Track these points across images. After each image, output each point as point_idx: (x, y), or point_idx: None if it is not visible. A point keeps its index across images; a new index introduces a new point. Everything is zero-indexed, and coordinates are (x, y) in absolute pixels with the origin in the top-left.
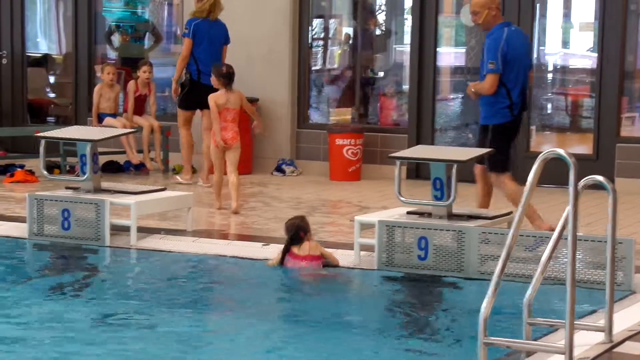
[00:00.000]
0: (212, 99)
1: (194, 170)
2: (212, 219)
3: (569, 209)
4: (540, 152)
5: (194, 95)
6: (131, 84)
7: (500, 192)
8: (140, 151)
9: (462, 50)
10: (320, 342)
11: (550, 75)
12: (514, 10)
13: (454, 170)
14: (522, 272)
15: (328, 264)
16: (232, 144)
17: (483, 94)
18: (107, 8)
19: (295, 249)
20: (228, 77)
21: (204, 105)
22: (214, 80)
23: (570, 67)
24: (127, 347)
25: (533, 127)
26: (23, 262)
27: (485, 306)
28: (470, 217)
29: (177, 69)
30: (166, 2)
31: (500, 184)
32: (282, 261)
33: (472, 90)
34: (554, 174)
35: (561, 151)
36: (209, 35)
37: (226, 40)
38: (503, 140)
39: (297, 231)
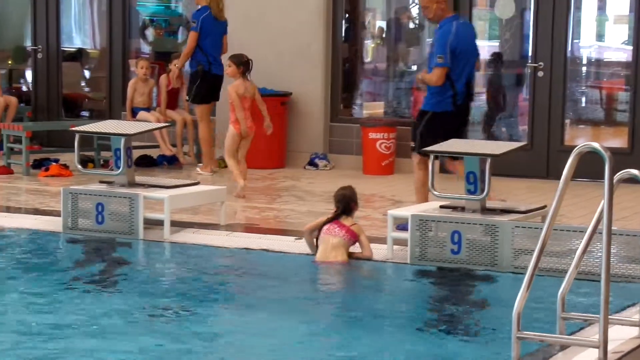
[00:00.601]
0: (232, 88)
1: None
2: (245, 213)
3: (603, 203)
4: (575, 146)
5: (207, 86)
6: (163, 78)
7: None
8: (173, 145)
9: (496, 43)
10: (353, 336)
11: (584, 69)
12: (549, 3)
13: (487, 164)
14: (556, 267)
15: (358, 257)
16: (251, 133)
17: (430, 85)
18: (141, 2)
19: (342, 219)
20: (247, 66)
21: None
22: (233, 70)
23: (604, 60)
24: (160, 341)
25: (567, 121)
26: (57, 256)
27: (518, 301)
28: (504, 211)
29: (182, 61)
30: None
31: (415, 166)
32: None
33: (420, 78)
34: (589, 167)
35: (596, 145)
36: (214, 28)
37: (225, 30)
38: (437, 127)
39: (349, 202)
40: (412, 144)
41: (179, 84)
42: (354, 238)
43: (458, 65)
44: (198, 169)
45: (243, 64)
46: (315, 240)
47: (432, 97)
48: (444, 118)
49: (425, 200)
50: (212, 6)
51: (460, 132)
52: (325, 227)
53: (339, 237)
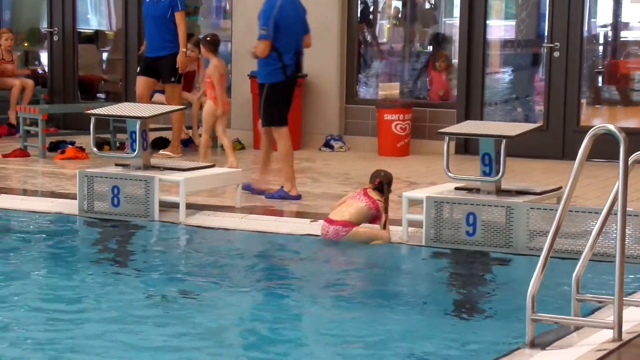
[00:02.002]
0: (216, 69)
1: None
2: (259, 195)
3: (618, 184)
4: (591, 127)
5: None
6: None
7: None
8: (188, 127)
9: (512, 22)
10: (369, 317)
11: (601, 48)
12: None
13: (502, 146)
14: (571, 248)
15: (375, 239)
16: (228, 109)
17: (259, 57)
18: None
19: (372, 193)
20: (218, 45)
21: None
22: (205, 51)
23: (621, 39)
24: (175, 324)
25: (583, 101)
26: (73, 239)
27: (533, 283)
28: (519, 193)
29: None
30: None
31: (279, 137)
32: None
33: (253, 51)
34: (605, 148)
35: (611, 127)
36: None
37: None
38: (277, 96)
39: (386, 182)
40: (261, 120)
41: (194, 67)
42: (377, 211)
43: (283, 39)
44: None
45: (215, 44)
46: None
47: (264, 69)
48: (279, 87)
49: (291, 169)
50: None
51: (291, 98)
52: (351, 195)
53: (361, 203)
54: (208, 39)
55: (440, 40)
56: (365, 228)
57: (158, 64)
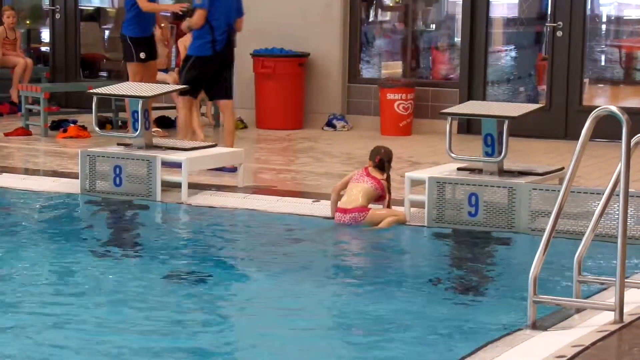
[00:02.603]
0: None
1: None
2: (262, 174)
3: (620, 165)
4: (593, 106)
5: None
6: (183, 40)
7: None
8: None
9: (515, 1)
10: (370, 297)
11: (604, 27)
12: None
13: (505, 127)
14: (573, 229)
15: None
16: None
17: (193, 28)
18: None
19: (374, 172)
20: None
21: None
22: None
23: (624, 17)
24: (179, 304)
25: (586, 80)
26: (75, 218)
27: (535, 265)
28: (521, 174)
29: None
30: None
31: (182, 105)
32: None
33: (187, 25)
34: (607, 128)
35: (613, 108)
36: None
37: None
38: (196, 69)
39: (386, 159)
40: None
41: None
42: (382, 190)
43: (218, 15)
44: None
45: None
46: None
47: (195, 41)
48: (204, 61)
49: (185, 138)
50: None
51: (221, 74)
52: (354, 177)
53: (367, 184)
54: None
55: (443, 19)
56: (381, 209)
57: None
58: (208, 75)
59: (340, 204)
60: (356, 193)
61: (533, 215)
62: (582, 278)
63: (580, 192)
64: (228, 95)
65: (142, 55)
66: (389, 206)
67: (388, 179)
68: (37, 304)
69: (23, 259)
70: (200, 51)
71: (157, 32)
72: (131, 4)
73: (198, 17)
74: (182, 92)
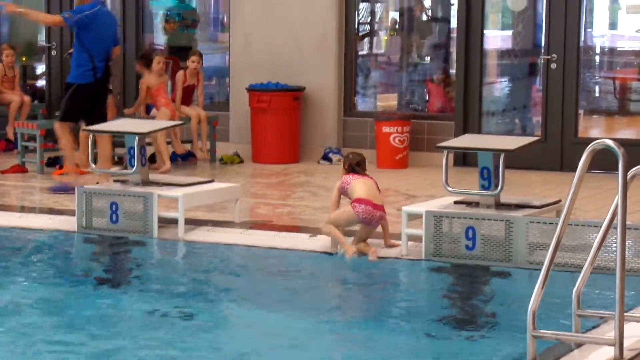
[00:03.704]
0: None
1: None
2: (259, 209)
3: (617, 199)
4: (588, 138)
5: None
6: (180, 75)
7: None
8: (188, 141)
9: (509, 32)
10: (370, 333)
11: (597, 58)
12: None
13: (501, 160)
14: (571, 262)
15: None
16: None
17: (29, 17)
18: None
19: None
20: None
21: None
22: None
23: (618, 49)
24: (176, 340)
25: (581, 112)
26: (72, 255)
27: (534, 298)
28: (518, 207)
29: None
30: None
31: (62, 132)
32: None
33: (20, 10)
34: (604, 160)
35: (609, 142)
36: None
37: None
38: (79, 96)
39: (361, 161)
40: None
41: (194, 80)
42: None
43: (96, 43)
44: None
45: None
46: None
47: (75, 70)
48: (86, 89)
49: (72, 164)
50: None
51: (101, 100)
52: (351, 178)
53: (372, 181)
54: (141, 54)
55: (437, 52)
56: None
57: None
58: (89, 102)
59: (365, 195)
60: (374, 188)
61: (531, 248)
62: (581, 312)
63: (577, 225)
64: (105, 122)
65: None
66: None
67: None
68: (32, 341)
69: (19, 295)
70: (81, 79)
71: (153, 65)
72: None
73: (53, 19)
74: (62, 119)
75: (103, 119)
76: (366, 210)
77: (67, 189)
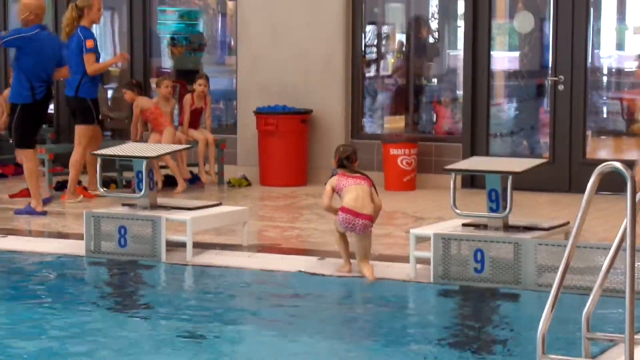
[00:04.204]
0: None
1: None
2: (267, 232)
3: (626, 221)
4: (596, 159)
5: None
6: (187, 98)
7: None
8: (194, 164)
9: (516, 54)
10: (377, 355)
11: (605, 79)
12: (568, 12)
13: (509, 182)
14: (580, 284)
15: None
16: None
17: None
18: (162, 21)
19: (345, 172)
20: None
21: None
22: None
23: (625, 70)
24: None
25: (589, 133)
26: (80, 279)
27: (543, 322)
28: (527, 229)
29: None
30: (220, 14)
31: (25, 158)
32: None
33: None
34: (612, 181)
35: (618, 165)
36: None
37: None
38: (23, 119)
39: (350, 154)
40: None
41: (202, 104)
42: (366, 181)
43: (35, 67)
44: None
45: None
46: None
47: (15, 90)
48: (27, 109)
49: (36, 189)
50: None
51: (43, 118)
52: (345, 182)
53: (362, 184)
54: (133, 82)
55: (444, 73)
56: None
57: None
58: (34, 123)
59: (349, 206)
60: (363, 196)
61: (539, 270)
62: (591, 335)
63: (586, 247)
64: (33, 145)
65: (99, 117)
66: (376, 197)
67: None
68: None
69: (28, 320)
70: (20, 99)
71: (161, 89)
72: (78, 65)
73: None
74: (17, 146)
75: (32, 144)
76: (347, 219)
77: (32, 212)
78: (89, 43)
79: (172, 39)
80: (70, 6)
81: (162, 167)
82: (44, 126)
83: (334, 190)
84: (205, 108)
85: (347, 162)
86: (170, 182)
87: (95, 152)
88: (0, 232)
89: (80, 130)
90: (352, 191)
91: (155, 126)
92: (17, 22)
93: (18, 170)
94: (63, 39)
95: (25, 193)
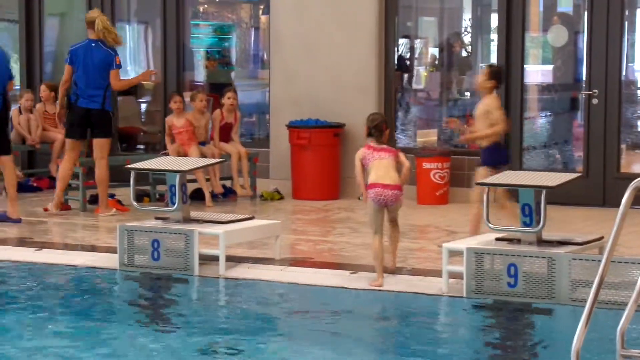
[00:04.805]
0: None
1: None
2: (299, 246)
3: None
4: (631, 173)
5: (71, 119)
6: (217, 114)
7: None
8: (228, 178)
9: (550, 67)
10: None
11: (639, 92)
12: (602, 25)
13: (542, 196)
14: (615, 299)
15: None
16: None
17: None
18: (195, 35)
19: (372, 142)
20: None
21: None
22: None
23: None
24: None
25: (623, 146)
26: (114, 293)
27: (577, 337)
28: (560, 243)
29: (60, 94)
30: (253, 27)
31: (3, 166)
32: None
33: None
34: None
35: None
36: (86, 60)
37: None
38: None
39: (380, 123)
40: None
41: (232, 118)
42: (396, 157)
43: None
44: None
45: None
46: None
47: None
48: None
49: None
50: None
51: (3, 131)
52: (371, 156)
53: (386, 158)
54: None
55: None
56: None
57: None
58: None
59: (376, 180)
60: (387, 169)
61: (573, 285)
62: (626, 352)
63: (621, 262)
64: (8, 151)
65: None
66: (404, 160)
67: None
68: None
69: (61, 333)
70: None
71: (196, 102)
72: (103, 79)
73: None
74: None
75: (7, 148)
76: (376, 192)
77: (5, 219)
78: (118, 60)
79: (206, 52)
80: (104, 18)
81: (189, 181)
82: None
83: (362, 165)
84: (235, 123)
85: (375, 132)
86: (196, 197)
87: (130, 165)
88: (35, 245)
89: (102, 143)
90: (375, 167)
91: (181, 144)
92: None
93: (52, 183)
94: (113, 43)
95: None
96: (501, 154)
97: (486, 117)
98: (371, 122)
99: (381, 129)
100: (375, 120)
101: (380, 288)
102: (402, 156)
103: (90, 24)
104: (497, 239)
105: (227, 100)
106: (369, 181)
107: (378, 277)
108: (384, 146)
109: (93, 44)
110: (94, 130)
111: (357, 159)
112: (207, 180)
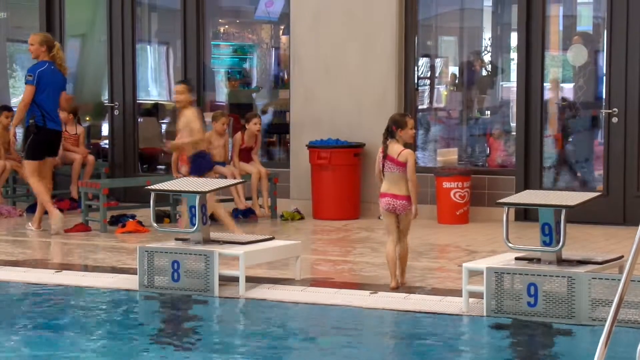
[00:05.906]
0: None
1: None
2: (319, 266)
3: None
4: None
5: (39, 141)
6: (237, 137)
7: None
8: (248, 198)
9: (570, 85)
10: None
11: None
12: (622, 44)
13: (562, 216)
14: (635, 319)
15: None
16: None
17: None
18: (216, 56)
19: (389, 149)
20: None
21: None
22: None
23: None
24: None
25: None
26: (134, 315)
27: (597, 357)
28: (580, 262)
29: (17, 117)
30: (273, 48)
31: None
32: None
33: None
34: None
35: None
36: (51, 82)
37: (63, 86)
38: None
39: (389, 125)
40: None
41: (252, 143)
42: (403, 170)
43: None
44: (29, 224)
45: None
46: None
47: None
48: None
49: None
50: (55, 60)
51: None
52: (382, 161)
53: (395, 172)
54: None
55: (497, 106)
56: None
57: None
58: None
59: (387, 190)
60: (396, 182)
61: (593, 304)
62: None
63: None
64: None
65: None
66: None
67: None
68: None
69: (81, 356)
70: None
71: (217, 125)
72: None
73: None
74: None
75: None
76: (387, 202)
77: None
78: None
79: (226, 73)
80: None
81: (222, 200)
82: (99, 160)
83: (380, 165)
84: (255, 147)
85: (393, 131)
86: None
87: (150, 186)
88: (54, 267)
89: (53, 162)
90: (387, 179)
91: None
92: None
93: (73, 205)
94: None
95: (80, 227)
96: (205, 160)
97: (187, 128)
98: (390, 121)
99: (391, 130)
100: (394, 119)
101: (395, 291)
102: (409, 170)
103: (49, 46)
104: (517, 258)
105: (253, 125)
106: (380, 190)
107: (391, 280)
108: (394, 156)
109: (52, 67)
110: (54, 150)
111: (377, 161)
112: (232, 200)
